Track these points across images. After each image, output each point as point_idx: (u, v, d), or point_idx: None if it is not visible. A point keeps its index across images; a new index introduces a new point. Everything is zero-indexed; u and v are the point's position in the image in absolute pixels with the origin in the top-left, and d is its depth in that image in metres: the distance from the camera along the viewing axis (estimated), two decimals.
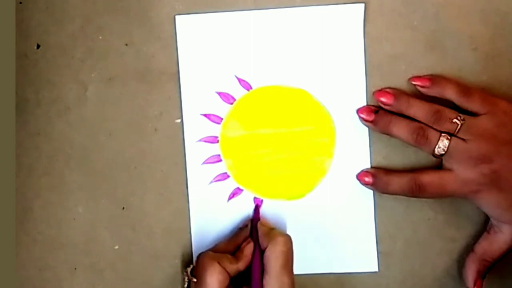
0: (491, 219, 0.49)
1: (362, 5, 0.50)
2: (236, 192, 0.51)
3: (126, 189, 0.51)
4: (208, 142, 0.51)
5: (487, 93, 0.49)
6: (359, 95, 0.51)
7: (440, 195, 0.49)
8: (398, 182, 0.49)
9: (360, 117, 0.50)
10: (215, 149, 0.51)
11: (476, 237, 0.50)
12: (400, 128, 0.48)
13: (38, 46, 0.51)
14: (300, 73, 0.51)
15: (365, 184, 0.50)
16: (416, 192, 0.48)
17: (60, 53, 0.51)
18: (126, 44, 0.51)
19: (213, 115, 0.51)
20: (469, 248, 0.51)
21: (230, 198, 0.51)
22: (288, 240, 0.47)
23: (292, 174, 0.51)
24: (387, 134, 0.49)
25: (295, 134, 0.51)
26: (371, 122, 0.49)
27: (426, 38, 0.50)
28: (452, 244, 0.52)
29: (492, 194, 0.47)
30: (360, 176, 0.50)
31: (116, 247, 0.52)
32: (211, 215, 0.51)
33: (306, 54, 0.51)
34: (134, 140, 0.51)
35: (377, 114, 0.49)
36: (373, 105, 0.50)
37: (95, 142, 0.51)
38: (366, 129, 0.51)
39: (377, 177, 0.49)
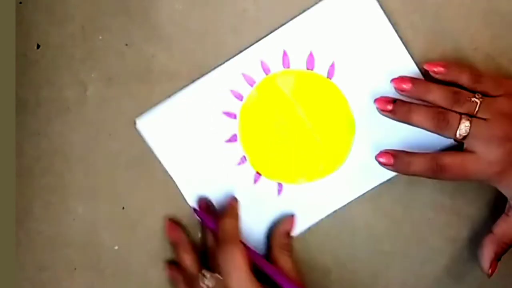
0: (510, 201, 0.48)
1: None
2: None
3: (126, 189, 0.51)
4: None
5: (498, 76, 0.49)
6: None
7: (461, 177, 0.47)
8: (419, 162, 0.47)
9: (377, 108, 0.49)
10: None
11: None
12: (420, 115, 0.47)
13: (38, 46, 0.51)
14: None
15: (385, 165, 0.48)
16: (437, 172, 0.47)
17: (60, 53, 0.51)
18: (126, 44, 0.51)
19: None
20: (469, 248, 0.51)
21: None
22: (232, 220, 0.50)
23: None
24: (407, 123, 0.48)
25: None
26: (390, 112, 0.48)
27: (426, 38, 0.50)
28: (452, 244, 0.52)
29: None
30: (379, 157, 0.48)
31: (116, 247, 0.52)
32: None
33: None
34: (134, 140, 0.51)
35: (395, 104, 0.48)
36: (389, 96, 0.49)
37: (95, 142, 0.51)
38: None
39: (398, 158, 0.48)
